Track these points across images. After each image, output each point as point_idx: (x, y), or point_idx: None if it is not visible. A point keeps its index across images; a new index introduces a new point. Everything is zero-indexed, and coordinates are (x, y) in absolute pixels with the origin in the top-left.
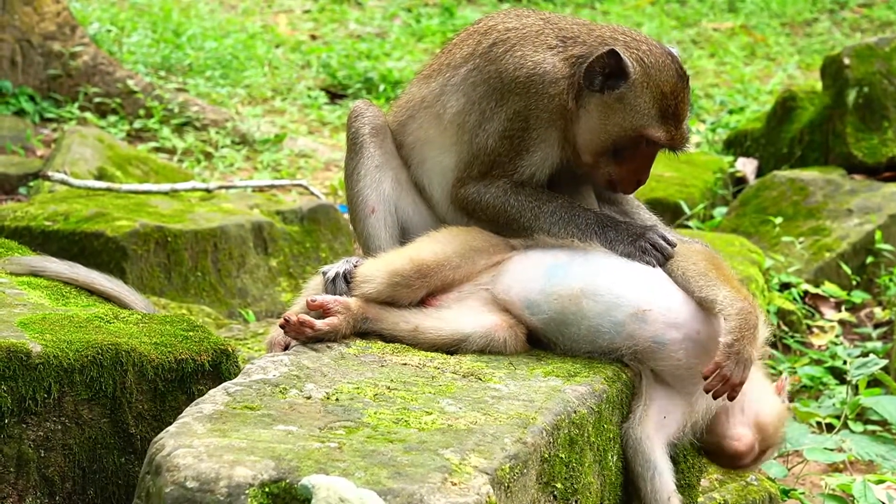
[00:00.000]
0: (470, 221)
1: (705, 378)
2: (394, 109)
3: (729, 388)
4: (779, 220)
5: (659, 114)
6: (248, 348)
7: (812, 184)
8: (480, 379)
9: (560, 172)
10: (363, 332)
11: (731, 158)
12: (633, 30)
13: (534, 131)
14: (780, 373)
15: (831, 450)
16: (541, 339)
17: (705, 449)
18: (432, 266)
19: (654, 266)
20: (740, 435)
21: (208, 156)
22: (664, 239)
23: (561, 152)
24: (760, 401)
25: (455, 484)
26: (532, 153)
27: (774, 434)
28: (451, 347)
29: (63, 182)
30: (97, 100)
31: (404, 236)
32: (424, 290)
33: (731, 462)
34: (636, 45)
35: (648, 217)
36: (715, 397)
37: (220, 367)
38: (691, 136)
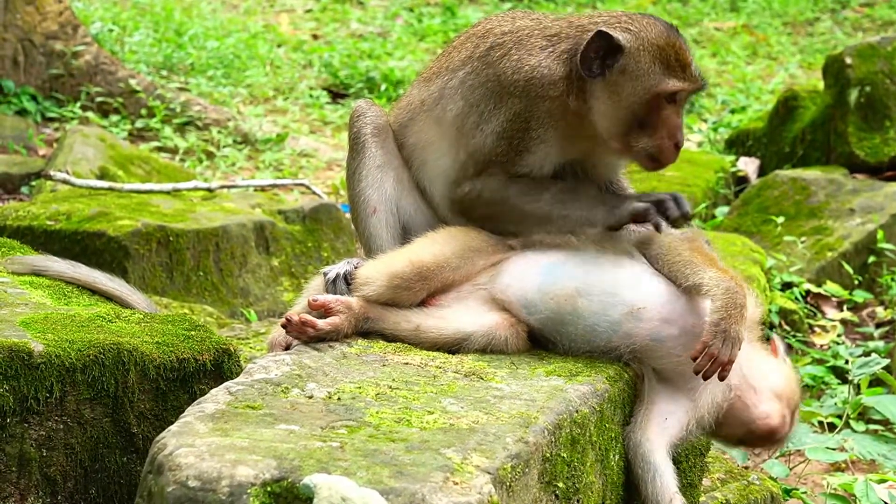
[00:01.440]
0: (468, 223)
1: (694, 359)
2: (395, 111)
3: (718, 366)
4: (781, 219)
5: (664, 67)
6: (250, 348)
7: (814, 183)
8: (482, 378)
9: (562, 175)
10: (365, 331)
11: (732, 158)
12: (608, 10)
13: (534, 132)
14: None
15: (833, 449)
16: (541, 339)
17: (740, 442)
18: (432, 268)
19: (662, 225)
20: (768, 412)
21: (210, 155)
22: (638, 199)
23: (561, 153)
24: (768, 373)
25: (457, 483)
26: (532, 153)
27: (794, 395)
28: (453, 347)
29: (65, 181)
30: (99, 99)
31: (406, 236)
32: (425, 292)
33: (771, 439)
34: (617, 20)
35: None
36: (705, 378)
37: (221, 367)
38: (706, 80)
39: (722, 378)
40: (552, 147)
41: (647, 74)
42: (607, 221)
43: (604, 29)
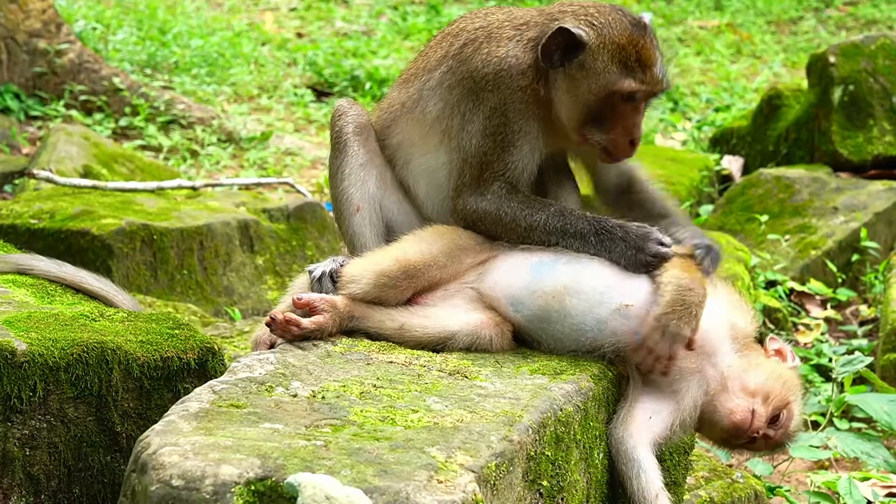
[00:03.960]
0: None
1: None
2: (376, 113)
3: (654, 360)
4: (765, 217)
5: (621, 66)
6: (234, 346)
7: (798, 182)
8: (467, 377)
9: (546, 169)
10: (349, 330)
11: (717, 156)
12: (585, 1)
13: (514, 124)
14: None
15: (817, 447)
16: (525, 338)
17: (727, 443)
18: (419, 266)
19: (667, 256)
20: (731, 409)
21: (194, 154)
22: (661, 243)
23: (545, 143)
24: (745, 374)
25: (441, 482)
26: (519, 147)
27: (783, 391)
28: (438, 345)
29: (49, 180)
30: (83, 97)
31: (389, 235)
32: (411, 290)
33: (741, 434)
34: (584, 12)
35: (658, 197)
36: (647, 371)
37: (206, 366)
38: (668, 80)
39: (664, 374)
40: (537, 139)
41: (603, 72)
42: (627, 260)
43: (566, 25)
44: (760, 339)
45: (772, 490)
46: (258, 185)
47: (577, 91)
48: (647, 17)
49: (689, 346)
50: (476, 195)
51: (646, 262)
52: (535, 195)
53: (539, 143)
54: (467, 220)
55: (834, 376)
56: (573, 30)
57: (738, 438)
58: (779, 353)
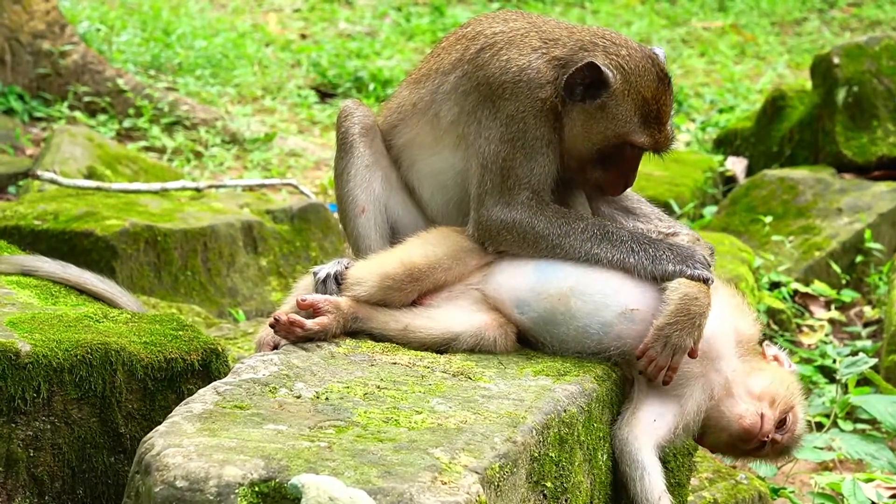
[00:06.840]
0: (490, 243)
1: (637, 359)
2: (384, 111)
3: (657, 370)
4: (768, 218)
5: (641, 119)
6: (238, 347)
7: (802, 183)
8: (470, 378)
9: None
10: (353, 331)
11: (720, 157)
12: (613, 32)
13: (536, 130)
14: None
15: (821, 448)
16: (530, 339)
17: (734, 449)
18: (424, 269)
19: (709, 280)
20: (740, 413)
21: (198, 155)
22: (706, 265)
23: (560, 154)
24: (749, 379)
25: (445, 483)
26: (543, 154)
27: (787, 394)
28: (441, 346)
29: (52, 181)
30: (87, 99)
31: (394, 236)
32: (416, 293)
33: (751, 438)
34: (615, 51)
35: (651, 211)
36: (650, 379)
37: (209, 367)
38: (676, 136)
39: (665, 383)
40: (556, 148)
41: (623, 120)
42: (646, 272)
43: (596, 62)
44: (760, 342)
45: (776, 491)
46: (262, 186)
47: (592, 131)
48: (661, 54)
49: (691, 354)
50: (503, 206)
51: (665, 270)
52: (567, 209)
53: (558, 152)
54: (493, 229)
55: (838, 378)
56: (603, 68)
57: (748, 443)
58: (776, 358)
